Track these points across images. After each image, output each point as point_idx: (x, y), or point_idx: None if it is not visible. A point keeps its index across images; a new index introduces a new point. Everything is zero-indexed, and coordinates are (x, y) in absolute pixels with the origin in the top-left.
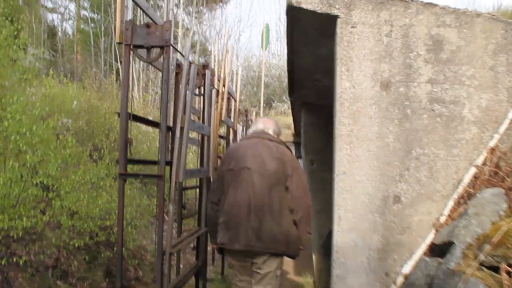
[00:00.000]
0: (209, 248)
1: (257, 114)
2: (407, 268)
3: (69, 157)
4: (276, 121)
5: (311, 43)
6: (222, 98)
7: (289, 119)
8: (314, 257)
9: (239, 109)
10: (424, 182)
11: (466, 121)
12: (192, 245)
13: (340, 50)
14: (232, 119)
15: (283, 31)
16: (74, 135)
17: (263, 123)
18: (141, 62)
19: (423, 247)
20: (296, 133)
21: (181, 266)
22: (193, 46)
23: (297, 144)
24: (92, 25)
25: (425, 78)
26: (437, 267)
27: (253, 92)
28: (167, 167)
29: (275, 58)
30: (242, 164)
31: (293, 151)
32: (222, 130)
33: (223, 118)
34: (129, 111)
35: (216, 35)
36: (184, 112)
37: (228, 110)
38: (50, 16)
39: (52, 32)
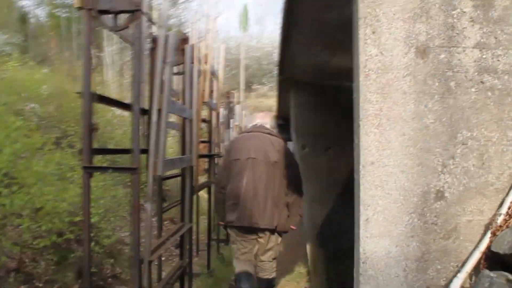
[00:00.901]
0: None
1: (239, 100)
2: (457, 283)
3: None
4: (271, 115)
5: (317, 4)
6: (205, 77)
7: (270, 102)
8: (308, 247)
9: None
10: (473, 173)
11: None
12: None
13: (364, 7)
14: (214, 101)
15: (261, 14)
16: (39, 121)
17: (261, 118)
18: (116, 43)
19: (477, 255)
20: (279, 116)
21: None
22: (169, 30)
23: (280, 126)
24: (65, 10)
25: (472, 42)
26: (507, 285)
27: (232, 75)
28: (144, 158)
29: (253, 41)
30: (247, 154)
31: None
32: (204, 114)
33: (206, 99)
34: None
35: (194, 16)
36: (161, 91)
37: (211, 91)
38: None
39: (24, 17)
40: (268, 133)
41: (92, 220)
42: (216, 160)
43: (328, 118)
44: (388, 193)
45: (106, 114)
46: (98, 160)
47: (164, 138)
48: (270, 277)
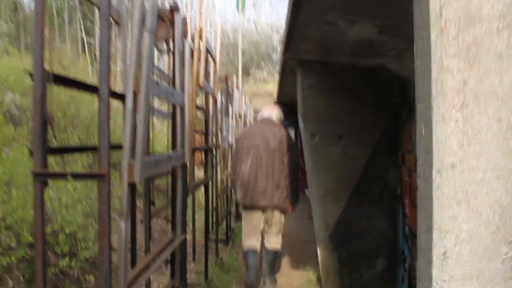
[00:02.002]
0: (188, 238)
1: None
2: None
3: None
4: (278, 107)
5: None
6: (199, 57)
7: (269, 87)
8: (319, 251)
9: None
10: None
11: None
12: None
13: None
14: (212, 85)
15: None
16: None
17: (269, 111)
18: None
19: None
20: (280, 102)
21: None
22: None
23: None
24: None
25: None
26: None
27: (229, 60)
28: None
29: (250, 24)
30: (252, 143)
31: None
32: (199, 101)
33: (201, 83)
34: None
35: None
36: (139, 67)
37: (207, 73)
38: None
39: (15, 7)
40: (272, 124)
41: (68, 231)
42: (214, 152)
43: (341, 102)
44: (477, 212)
45: (90, 106)
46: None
47: (144, 131)
48: (275, 247)
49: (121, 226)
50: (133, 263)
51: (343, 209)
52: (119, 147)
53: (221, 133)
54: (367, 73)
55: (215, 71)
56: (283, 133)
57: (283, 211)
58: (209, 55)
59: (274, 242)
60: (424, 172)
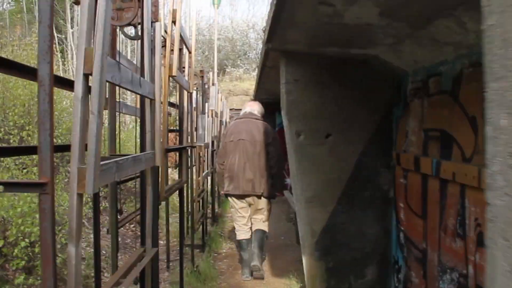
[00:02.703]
0: (162, 243)
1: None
2: None
3: None
4: (259, 103)
5: None
6: (173, 42)
7: (246, 85)
8: (304, 259)
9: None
10: None
11: None
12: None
13: None
14: (186, 79)
15: None
16: None
17: (251, 106)
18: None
19: None
20: (257, 99)
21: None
22: None
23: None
24: None
25: None
26: None
27: (204, 57)
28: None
29: (226, 20)
30: (239, 137)
31: None
32: (173, 99)
33: (174, 73)
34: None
35: None
36: (92, 42)
37: (181, 65)
38: None
39: None
40: (256, 118)
41: (24, 244)
42: (189, 152)
43: (329, 98)
44: None
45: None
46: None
47: (98, 126)
48: (262, 228)
49: (70, 251)
50: (98, 285)
51: (331, 214)
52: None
53: (197, 131)
54: (358, 65)
55: (190, 63)
56: (266, 127)
57: (269, 198)
58: (184, 45)
59: (261, 225)
60: (507, 179)
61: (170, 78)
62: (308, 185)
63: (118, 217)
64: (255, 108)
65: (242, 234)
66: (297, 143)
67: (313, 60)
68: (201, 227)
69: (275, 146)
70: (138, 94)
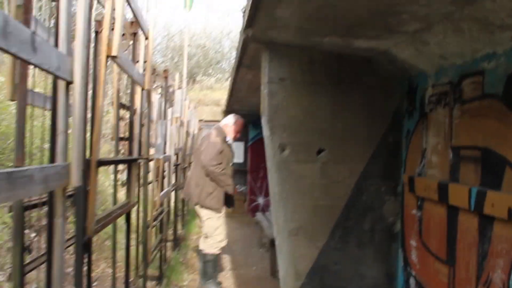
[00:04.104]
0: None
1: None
2: None
3: None
4: (235, 115)
5: None
6: (114, 7)
7: (217, 94)
8: None
9: (154, 69)
10: None
11: None
12: None
13: None
14: (142, 71)
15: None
16: None
17: (224, 119)
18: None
19: None
20: (229, 111)
21: None
22: None
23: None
24: None
25: None
26: None
27: (174, 64)
28: None
29: (198, 26)
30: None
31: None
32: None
33: (114, 53)
34: None
35: None
36: None
37: (136, 55)
38: None
39: None
40: (215, 129)
41: None
42: (142, 164)
43: (322, 103)
44: None
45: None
46: None
47: None
48: (203, 248)
49: None
50: None
51: (321, 251)
52: None
53: (157, 141)
54: (360, 64)
55: (147, 53)
56: (212, 135)
57: (208, 209)
58: (139, 28)
59: (202, 243)
60: None
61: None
62: (292, 213)
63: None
64: (225, 120)
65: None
66: (281, 159)
67: (304, 55)
68: (159, 253)
69: (205, 152)
70: (31, 63)
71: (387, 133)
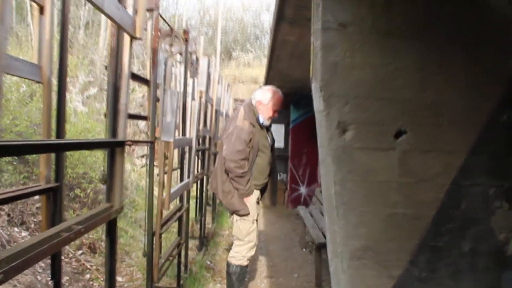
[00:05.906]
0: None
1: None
2: None
3: None
4: (269, 87)
5: None
6: None
7: (255, 72)
8: None
9: (171, 28)
10: None
11: None
12: None
13: None
14: (130, 11)
15: None
16: None
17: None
18: None
19: None
20: (268, 81)
21: None
22: None
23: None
24: None
25: None
26: None
27: (208, 38)
28: None
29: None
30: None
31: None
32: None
33: None
34: None
35: None
36: None
37: None
38: None
39: None
40: (245, 106)
41: None
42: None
43: (405, 62)
44: None
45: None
46: None
47: None
48: (228, 259)
49: None
50: None
51: (398, 282)
52: None
53: (163, 119)
54: (461, 4)
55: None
56: (239, 116)
57: (233, 212)
58: None
59: (230, 251)
60: None
61: None
62: (356, 226)
63: None
64: (257, 91)
65: None
66: (340, 145)
67: None
68: (176, 259)
69: (227, 140)
70: None
71: (500, 109)
